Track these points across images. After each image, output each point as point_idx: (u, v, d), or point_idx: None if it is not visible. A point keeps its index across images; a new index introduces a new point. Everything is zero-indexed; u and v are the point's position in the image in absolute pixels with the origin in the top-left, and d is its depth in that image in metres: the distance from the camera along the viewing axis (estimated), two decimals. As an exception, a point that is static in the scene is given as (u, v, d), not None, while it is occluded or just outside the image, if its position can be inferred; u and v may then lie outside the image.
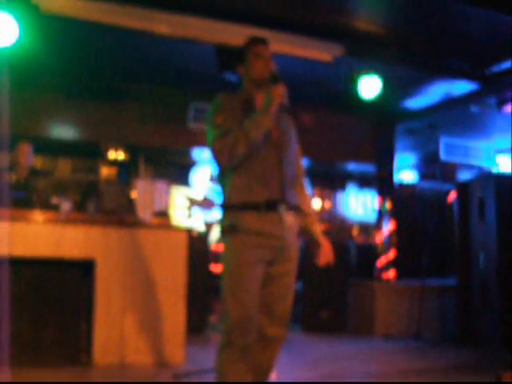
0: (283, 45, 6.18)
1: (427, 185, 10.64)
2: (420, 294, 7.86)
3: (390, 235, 8.96)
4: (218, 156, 3.15)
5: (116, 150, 8.39)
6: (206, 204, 9.00)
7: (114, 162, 8.43)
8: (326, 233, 10.18)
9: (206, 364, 4.90)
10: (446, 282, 8.43)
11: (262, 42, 3.36)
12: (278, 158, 3.21)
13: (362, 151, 9.30)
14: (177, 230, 5.77)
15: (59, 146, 8.27)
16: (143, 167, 8.68)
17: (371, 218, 10.20)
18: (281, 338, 3.31)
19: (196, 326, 6.87)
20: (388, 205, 9.02)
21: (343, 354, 6.64)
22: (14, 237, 5.03)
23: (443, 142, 9.75)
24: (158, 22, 5.99)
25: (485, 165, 10.41)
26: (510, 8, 5.56)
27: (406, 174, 11.41)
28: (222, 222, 3.26)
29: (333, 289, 8.23)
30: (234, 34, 5.72)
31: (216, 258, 7.49)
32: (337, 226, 11.45)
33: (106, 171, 8.43)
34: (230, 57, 3.36)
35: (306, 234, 3.47)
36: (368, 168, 9.60)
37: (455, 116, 8.66)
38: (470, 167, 10.43)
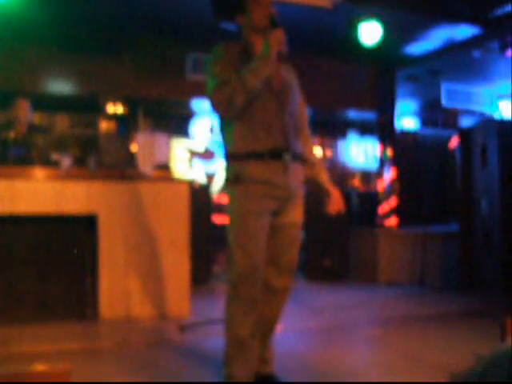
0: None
1: (429, 131, 10.58)
2: (422, 240, 7.89)
3: (392, 183, 8.94)
4: (217, 106, 3.13)
5: (114, 103, 8.30)
6: (207, 155, 8.96)
7: (113, 116, 8.35)
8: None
9: (211, 315, 4.94)
10: (449, 229, 8.45)
11: None
12: (279, 106, 3.18)
13: (362, 98, 9.21)
14: (178, 182, 5.76)
15: (57, 102, 8.17)
16: (142, 120, 8.60)
17: (372, 165, 10.16)
18: (287, 288, 3.33)
19: (200, 278, 6.90)
20: (389, 152, 8.98)
21: (347, 301, 6.69)
22: (15, 194, 5.02)
23: (445, 88, 9.65)
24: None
25: (487, 110, 10.32)
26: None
27: (407, 120, 11.32)
28: (226, 173, 3.24)
29: (335, 237, 8.24)
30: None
31: (218, 209, 7.49)
32: (338, 174, 11.42)
33: (105, 125, 8.35)
34: (225, 5, 3.29)
35: (313, 183, 3.46)
36: (369, 115, 9.52)
37: (457, 61, 8.54)
38: (471, 113, 10.35)
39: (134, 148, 7.02)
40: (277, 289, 3.28)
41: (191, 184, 6.37)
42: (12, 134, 5.99)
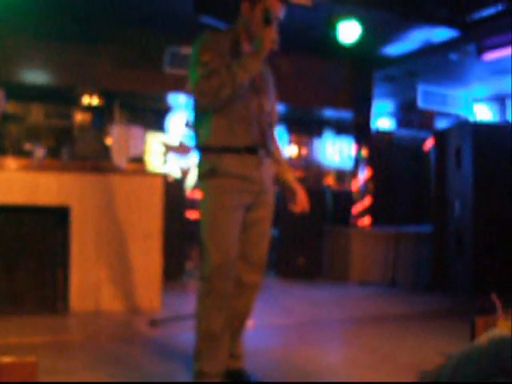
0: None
1: (404, 132, 10.65)
2: (395, 241, 7.92)
3: (366, 182, 8.98)
4: (201, 96, 3.06)
5: (90, 95, 8.24)
6: (182, 150, 8.92)
7: (89, 108, 8.28)
8: (302, 180, 10.14)
9: (182, 310, 4.92)
10: (422, 230, 8.50)
11: None
12: (258, 103, 3.17)
13: (339, 98, 9.23)
14: (152, 175, 5.73)
15: (32, 92, 8.10)
16: (118, 113, 8.55)
17: (347, 164, 10.20)
18: (257, 284, 3.33)
19: (173, 273, 6.87)
20: (364, 152, 9.02)
21: (319, 299, 6.70)
22: (-14, 183, 4.95)
23: (421, 90, 9.70)
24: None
25: (462, 113, 10.41)
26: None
27: (383, 121, 11.39)
28: (200, 166, 3.21)
29: (308, 235, 8.25)
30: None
31: (192, 204, 7.46)
32: (313, 172, 11.46)
33: (80, 117, 8.28)
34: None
35: (279, 182, 3.47)
36: (345, 115, 9.55)
37: (434, 63, 8.59)
38: (447, 115, 10.43)
39: (108, 140, 6.96)
40: (247, 284, 3.27)
41: (165, 178, 6.34)
42: (-16, 123, 5.92)
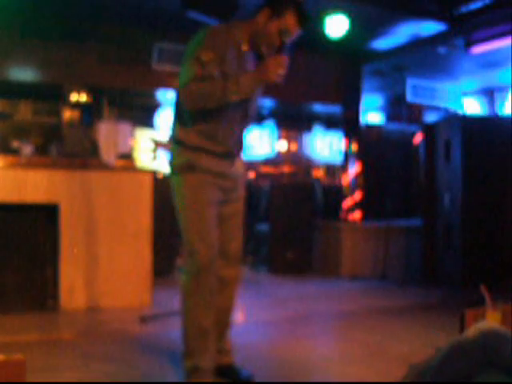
0: None
1: (393, 126, 10.67)
2: (385, 235, 7.94)
3: (357, 177, 8.99)
4: (187, 97, 3.01)
5: (78, 92, 8.19)
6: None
7: (77, 105, 8.23)
8: (292, 174, 10.12)
9: (172, 307, 4.91)
10: (412, 223, 8.53)
11: (304, 18, 3.13)
12: (243, 115, 3.20)
13: (328, 92, 9.22)
14: (141, 172, 5.73)
15: (19, 89, 8.05)
16: (107, 110, 8.52)
17: (337, 159, 10.21)
18: (236, 278, 3.36)
19: (163, 269, 6.86)
20: (354, 146, 9.02)
21: (309, 294, 6.72)
22: (-27, 181, 4.92)
23: (410, 84, 9.70)
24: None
25: (451, 107, 10.43)
26: None
27: (372, 115, 11.40)
28: (175, 159, 3.18)
29: (298, 230, 8.25)
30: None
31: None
32: (303, 167, 11.46)
33: (68, 114, 8.23)
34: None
35: None
36: (334, 109, 9.55)
37: (422, 57, 8.60)
38: (436, 109, 10.44)
39: (96, 137, 6.93)
40: (227, 279, 3.29)
41: (155, 175, 6.32)
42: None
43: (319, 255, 8.39)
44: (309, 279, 7.81)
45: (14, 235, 5.20)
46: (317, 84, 9.07)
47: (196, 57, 2.98)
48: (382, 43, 8.30)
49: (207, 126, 3.09)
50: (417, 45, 8.03)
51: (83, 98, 8.16)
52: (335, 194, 9.10)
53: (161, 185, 6.95)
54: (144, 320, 4.80)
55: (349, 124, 9.14)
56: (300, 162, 11.37)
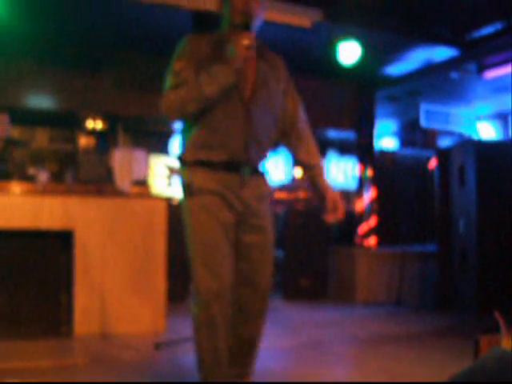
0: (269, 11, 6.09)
1: (408, 152, 10.66)
2: (400, 260, 7.90)
3: (371, 202, 8.98)
4: (166, 109, 2.86)
5: (94, 119, 8.29)
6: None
7: (92, 132, 8.33)
8: (307, 200, 10.08)
9: (186, 333, 4.89)
10: (427, 249, 8.49)
11: None
12: (246, 116, 2.89)
13: (341, 118, 9.26)
14: (156, 198, 5.75)
15: (36, 116, 8.15)
16: (122, 136, 8.58)
17: (351, 185, 10.20)
18: (261, 311, 3.10)
19: (178, 295, 6.86)
20: (369, 172, 9.02)
21: (323, 320, 6.68)
22: (-10, 208, 4.97)
23: (423, 109, 9.73)
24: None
25: (465, 131, 10.43)
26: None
27: (386, 140, 11.40)
28: (181, 182, 3.00)
29: (313, 256, 8.24)
30: (212, 0, 5.62)
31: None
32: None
33: (84, 141, 8.32)
34: (206, 23, 3.18)
35: (312, 187, 3.21)
36: (348, 135, 9.57)
37: (435, 82, 8.63)
38: (450, 134, 10.45)
39: (111, 164, 6.99)
40: (251, 312, 3.06)
41: (169, 201, 6.35)
42: (-12, 149, 5.95)
43: (334, 281, 8.36)
44: (323, 305, 7.77)
45: (30, 261, 5.23)
46: (330, 110, 9.11)
47: (171, 69, 2.91)
48: (395, 69, 8.34)
49: (201, 134, 2.90)
50: (430, 70, 8.07)
51: (99, 125, 8.25)
52: (350, 219, 9.08)
53: (175, 211, 6.99)
54: (158, 346, 4.79)
55: (363, 150, 9.15)
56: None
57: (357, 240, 8.83)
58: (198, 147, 2.92)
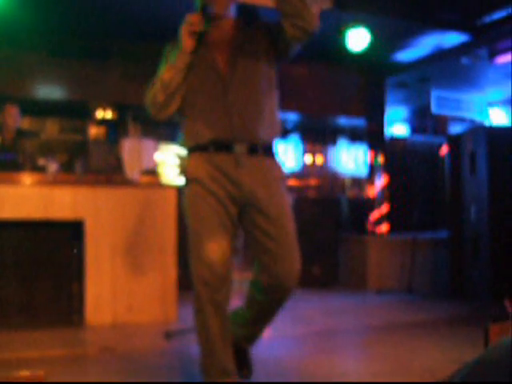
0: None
1: (419, 138, 10.61)
2: (412, 247, 7.88)
3: (383, 189, 8.95)
4: (148, 109, 2.96)
5: (104, 109, 8.28)
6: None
7: (102, 122, 8.33)
8: (318, 188, 10.04)
9: (197, 322, 4.91)
10: (438, 236, 8.46)
11: None
12: (224, 89, 2.85)
13: (352, 105, 9.22)
14: (166, 187, 5.75)
15: (46, 107, 8.17)
16: (132, 126, 8.59)
17: (362, 172, 10.18)
18: (280, 300, 3.01)
19: (189, 284, 6.86)
20: (380, 159, 8.99)
21: (335, 308, 6.69)
22: (1, 199, 4.99)
23: (434, 95, 9.68)
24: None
25: (476, 117, 10.36)
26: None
27: (397, 127, 11.35)
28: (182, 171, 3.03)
29: (324, 244, 8.24)
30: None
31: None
32: (328, 180, 11.42)
33: (94, 131, 8.33)
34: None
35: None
36: (359, 122, 9.54)
37: (446, 68, 8.57)
38: (461, 120, 10.39)
39: (121, 153, 7.00)
40: (271, 299, 3.00)
41: (179, 190, 6.35)
42: (-1, 140, 5.98)
43: (345, 269, 8.36)
44: (334, 293, 7.78)
45: (41, 251, 5.26)
46: (341, 97, 9.08)
47: (158, 73, 2.98)
48: (406, 55, 8.29)
49: (190, 121, 2.92)
50: (440, 56, 8.01)
51: (108, 114, 8.25)
52: (361, 206, 9.07)
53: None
54: (169, 335, 4.81)
55: (374, 137, 9.12)
56: (325, 175, 11.33)
57: (368, 227, 8.82)
58: (189, 135, 2.94)
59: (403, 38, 7.58)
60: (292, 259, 2.91)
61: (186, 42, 2.85)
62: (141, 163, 5.70)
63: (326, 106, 9.14)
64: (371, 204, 9.06)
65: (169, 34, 7.31)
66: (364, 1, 6.52)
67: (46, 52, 7.51)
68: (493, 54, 7.37)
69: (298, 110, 8.84)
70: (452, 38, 7.45)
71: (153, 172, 6.29)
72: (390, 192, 9.03)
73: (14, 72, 7.43)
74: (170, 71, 2.87)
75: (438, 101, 9.75)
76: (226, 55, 2.90)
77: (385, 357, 4.39)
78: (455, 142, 7.75)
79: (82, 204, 5.27)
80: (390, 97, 9.24)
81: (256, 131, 2.87)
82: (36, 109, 7.97)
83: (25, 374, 1.99)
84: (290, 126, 10.32)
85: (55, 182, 5.26)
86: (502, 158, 6.99)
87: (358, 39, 6.87)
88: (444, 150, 8.85)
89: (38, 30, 7.14)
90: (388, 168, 9.05)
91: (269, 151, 2.94)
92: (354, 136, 10.71)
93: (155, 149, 5.94)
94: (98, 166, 5.83)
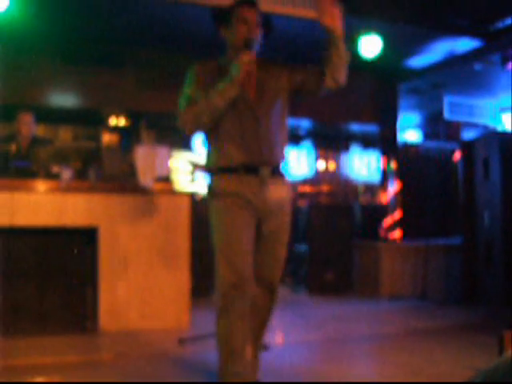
0: (282, 5, 6.08)
1: (432, 144, 10.58)
2: (425, 253, 7.86)
3: (396, 195, 8.94)
4: (183, 125, 3.15)
5: (117, 116, 8.34)
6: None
7: (116, 129, 8.38)
8: (331, 194, 10.05)
9: (210, 328, 4.91)
10: (451, 242, 8.42)
11: (249, 4, 3.21)
12: (254, 118, 3.16)
13: (364, 112, 9.23)
14: (179, 194, 5.76)
15: (60, 114, 8.22)
16: (145, 133, 8.63)
17: (375, 178, 10.17)
18: (267, 306, 3.38)
19: (202, 291, 6.89)
20: (393, 165, 8.98)
21: (348, 315, 6.67)
22: (15, 206, 5.03)
23: (447, 101, 9.65)
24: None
25: (489, 123, 10.32)
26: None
27: (410, 133, 11.34)
28: (207, 186, 3.28)
29: (338, 250, 8.23)
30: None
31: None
32: (341, 187, 11.42)
33: (107, 138, 8.38)
34: (225, 17, 3.27)
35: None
36: (371, 128, 9.53)
37: (459, 74, 8.56)
38: (474, 126, 10.35)
39: (134, 161, 7.02)
40: (260, 306, 3.34)
41: (193, 197, 6.37)
42: (14, 147, 6.01)
43: (358, 275, 8.34)
44: (348, 300, 7.76)
45: (55, 258, 5.29)
46: (353, 103, 9.08)
47: (184, 92, 3.20)
48: (418, 61, 8.28)
49: (220, 142, 3.18)
50: (453, 62, 8.00)
51: (122, 122, 8.29)
52: (373, 213, 9.05)
53: (199, 206, 7.02)
54: (183, 342, 4.82)
55: (386, 143, 9.11)
56: (338, 182, 11.33)
57: (381, 233, 8.80)
58: (219, 154, 3.19)
59: (415, 44, 7.58)
60: (278, 268, 3.33)
61: (241, 78, 3.07)
62: (154, 170, 5.69)
63: (338, 112, 9.15)
64: (384, 210, 9.05)
65: (182, 42, 7.40)
66: (376, 8, 6.52)
67: (59, 60, 7.57)
68: (505, 60, 7.34)
69: (310, 116, 8.86)
70: (464, 44, 7.44)
71: (166, 179, 6.30)
72: (402, 198, 9.01)
73: (29, 80, 7.49)
74: (222, 98, 3.07)
75: (451, 107, 9.72)
76: (254, 87, 3.21)
77: (398, 363, 4.38)
78: (468, 147, 7.73)
79: (95, 211, 5.30)
80: (402, 103, 9.23)
81: (276, 156, 3.22)
82: (50, 116, 8.02)
83: (40, 379, 2.01)
84: (302, 132, 10.34)
85: (69, 189, 5.29)
86: (515, 163, 6.97)
87: (370, 46, 6.88)
88: (457, 155, 8.83)
89: (52, 37, 7.20)
90: (401, 174, 9.03)
91: (282, 171, 3.28)
92: (367, 142, 10.72)
93: (168, 156, 5.94)
94: (112, 173, 5.85)
